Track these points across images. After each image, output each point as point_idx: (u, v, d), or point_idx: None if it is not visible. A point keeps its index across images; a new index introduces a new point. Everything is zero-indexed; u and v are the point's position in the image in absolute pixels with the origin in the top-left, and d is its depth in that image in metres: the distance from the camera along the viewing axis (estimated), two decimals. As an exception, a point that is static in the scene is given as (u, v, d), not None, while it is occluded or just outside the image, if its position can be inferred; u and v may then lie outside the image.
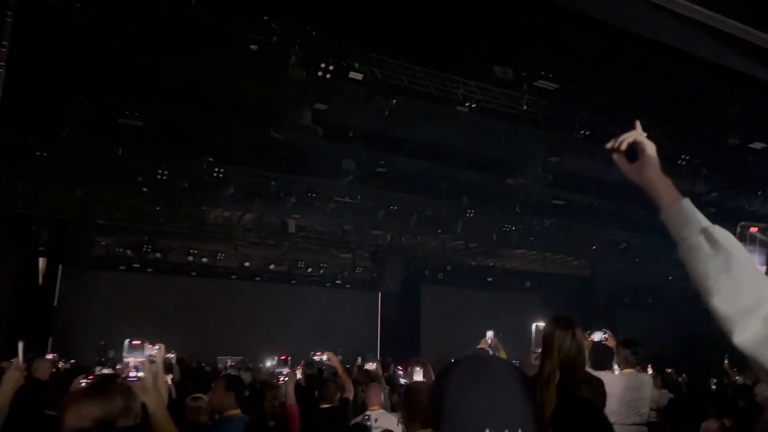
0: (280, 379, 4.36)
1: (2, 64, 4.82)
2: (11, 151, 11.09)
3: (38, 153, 10.86)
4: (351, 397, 4.89)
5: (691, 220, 1.30)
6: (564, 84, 8.81)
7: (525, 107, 8.97)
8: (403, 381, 5.45)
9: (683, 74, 8.71)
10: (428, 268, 19.91)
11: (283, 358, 4.64)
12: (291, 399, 4.09)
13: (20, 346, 3.57)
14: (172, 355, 7.95)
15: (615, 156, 1.45)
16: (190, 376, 9.10)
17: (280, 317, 18.05)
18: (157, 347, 3.84)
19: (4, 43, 4.90)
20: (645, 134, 1.44)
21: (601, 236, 16.36)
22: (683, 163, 10.97)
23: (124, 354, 2.19)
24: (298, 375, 6.79)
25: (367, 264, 19.60)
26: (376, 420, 4.19)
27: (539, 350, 2.79)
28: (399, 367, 8.80)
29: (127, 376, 2.10)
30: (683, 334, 21.97)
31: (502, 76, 8.36)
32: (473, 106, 8.88)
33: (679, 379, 10.03)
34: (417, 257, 18.71)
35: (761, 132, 10.24)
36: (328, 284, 19.86)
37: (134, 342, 2.22)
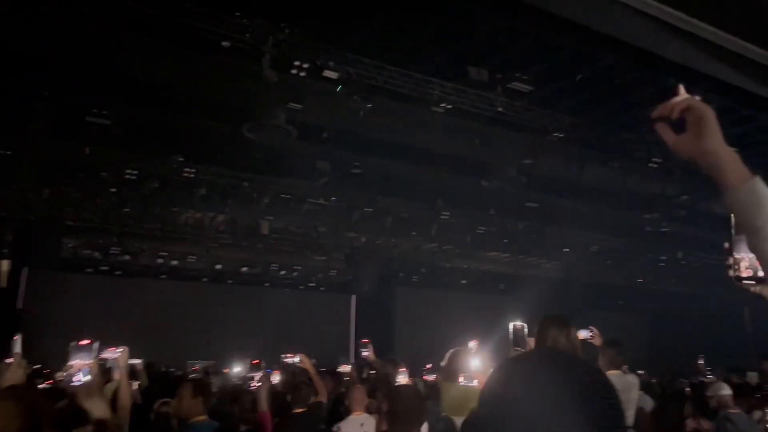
0: (252, 384, 4.20)
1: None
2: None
3: (2, 152, 10.52)
4: (324, 400, 4.75)
5: (766, 204, 1.03)
6: (538, 86, 8.85)
7: (499, 109, 8.97)
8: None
9: (656, 76, 8.81)
10: (403, 270, 19.87)
11: (255, 362, 4.46)
12: (263, 405, 3.95)
13: (18, 340, 3.39)
14: (139, 361, 7.71)
15: (659, 126, 1.23)
16: (158, 381, 8.87)
17: (253, 320, 17.83)
18: (120, 350, 3.68)
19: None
20: (698, 98, 1.17)
21: (574, 238, 16.51)
22: (654, 165, 11.10)
23: (70, 356, 2.00)
24: (276, 379, 6.63)
25: (342, 266, 19.47)
26: (362, 425, 4.08)
27: (519, 350, 2.71)
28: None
29: (71, 381, 1.92)
30: (655, 336, 22.34)
31: (477, 78, 8.35)
32: (448, 107, 8.86)
33: (653, 381, 10.12)
34: (392, 259, 18.64)
35: (733, 135, 10.40)
36: (301, 287, 19.69)
37: (81, 343, 2.04)
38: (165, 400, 4.71)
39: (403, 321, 19.80)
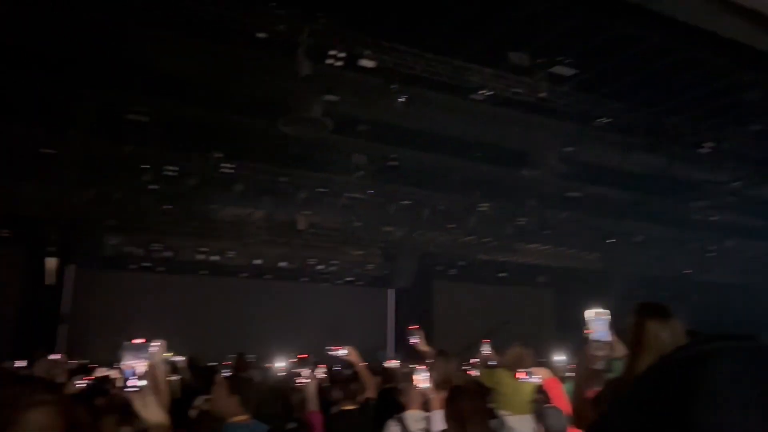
0: (299, 380, 3.86)
1: None
2: (17, 151, 10.97)
3: (44, 152, 10.71)
4: (373, 395, 4.51)
5: None
6: (582, 69, 8.52)
7: (540, 95, 8.68)
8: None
9: (705, 56, 8.41)
10: (440, 263, 19.65)
11: (302, 356, 4.10)
12: (313, 405, 3.65)
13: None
14: (182, 359, 7.69)
15: None
16: (203, 377, 8.89)
17: (291, 315, 17.90)
18: (158, 344, 3.60)
19: None
20: None
21: (617, 228, 16.03)
22: (705, 150, 10.63)
23: (124, 357, 1.75)
24: (320, 374, 6.47)
25: (379, 260, 19.38)
26: (417, 422, 3.86)
27: (600, 344, 2.41)
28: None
29: (124, 386, 1.71)
30: (701, 328, 21.60)
31: (517, 62, 8.08)
32: (488, 94, 8.61)
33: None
34: (429, 253, 18.46)
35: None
36: (339, 281, 19.67)
37: (135, 341, 1.81)
38: (209, 397, 4.62)
39: (441, 315, 19.59)
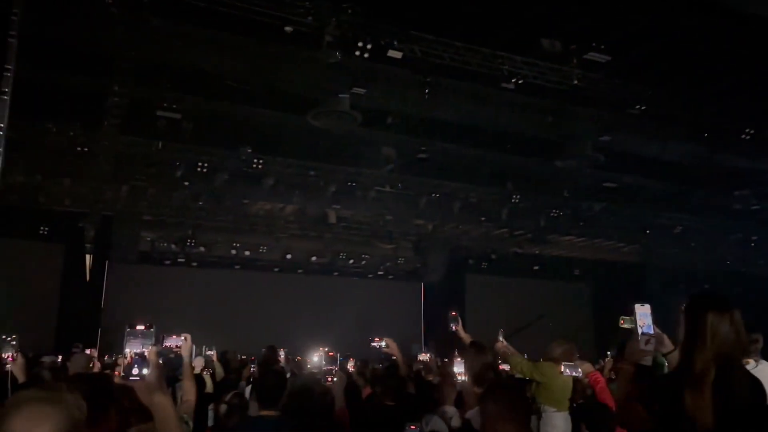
0: (329, 378, 3.73)
1: (9, 67, 4.64)
2: (53, 149, 11.20)
3: (79, 149, 10.90)
4: (413, 391, 4.37)
5: None
6: (617, 56, 8.22)
7: (574, 82, 8.43)
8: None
9: (747, 41, 8.03)
10: (472, 257, 19.44)
11: (330, 354, 3.95)
12: (340, 401, 3.54)
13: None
14: (212, 352, 7.71)
15: None
16: (236, 371, 8.94)
17: (323, 310, 17.94)
18: (183, 338, 3.56)
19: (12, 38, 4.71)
20: None
21: (655, 220, 15.58)
22: (747, 137, 10.22)
23: (125, 343, 1.63)
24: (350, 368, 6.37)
25: (410, 254, 19.27)
26: (451, 419, 3.74)
27: (651, 337, 2.27)
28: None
29: (128, 374, 1.59)
30: (744, 321, 20.90)
31: (550, 49, 7.85)
32: (519, 82, 8.39)
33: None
34: (460, 246, 18.28)
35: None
36: (370, 275, 19.64)
37: (138, 327, 1.67)
38: (237, 392, 4.59)
39: (473, 309, 19.34)
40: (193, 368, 3.61)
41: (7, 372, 4.03)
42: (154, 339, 1.65)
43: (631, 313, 2.48)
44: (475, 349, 4.09)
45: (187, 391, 3.23)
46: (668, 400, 1.86)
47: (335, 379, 3.65)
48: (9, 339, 4.23)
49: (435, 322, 19.02)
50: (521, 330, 12.86)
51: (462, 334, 4.72)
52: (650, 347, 2.30)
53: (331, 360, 3.72)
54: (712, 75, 9.20)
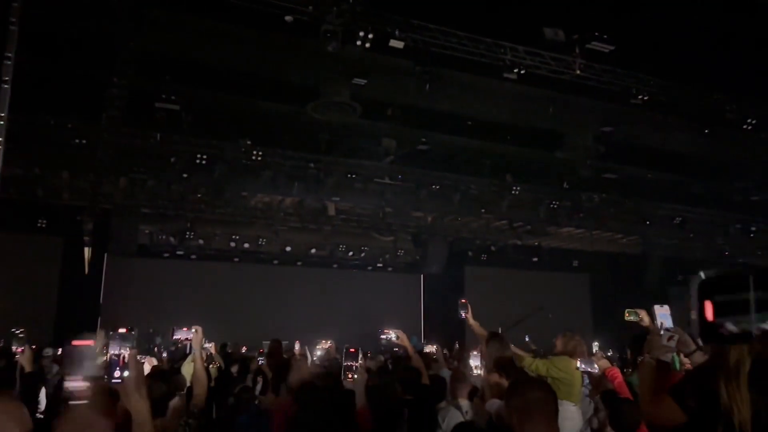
0: (350, 376, 3.59)
1: (9, 55, 4.57)
2: (51, 142, 11.11)
3: (78, 142, 10.82)
4: (427, 382, 4.23)
5: None
6: (620, 45, 8.17)
7: (577, 72, 8.37)
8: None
9: (748, 29, 7.98)
10: (472, 248, 19.43)
11: (352, 350, 3.79)
12: (361, 399, 3.44)
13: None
14: (211, 345, 7.63)
15: None
16: (241, 364, 8.88)
17: (323, 302, 17.93)
18: (194, 330, 3.53)
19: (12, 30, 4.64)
20: None
21: (655, 211, 15.57)
22: (748, 128, 10.19)
23: (108, 346, 1.67)
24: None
25: (409, 246, 19.25)
26: (466, 412, 3.67)
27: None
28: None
29: (109, 377, 1.62)
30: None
31: (553, 39, 7.80)
32: (521, 72, 8.34)
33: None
34: (460, 238, 18.24)
35: None
36: (369, 268, 19.62)
37: (120, 330, 1.71)
38: (245, 386, 4.53)
39: (473, 301, 19.01)
40: (203, 359, 3.56)
41: (16, 362, 4.23)
42: (134, 342, 1.67)
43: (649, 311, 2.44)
44: (499, 342, 4.06)
45: (198, 383, 3.20)
46: (703, 395, 1.81)
47: (356, 376, 3.53)
48: (18, 332, 4.50)
49: (435, 314, 19.05)
50: (521, 321, 12.88)
51: (471, 321, 4.68)
52: (672, 343, 2.26)
53: (352, 356, 3.59)
54: (714, 65, 9.16)
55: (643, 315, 4.05)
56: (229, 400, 4.61)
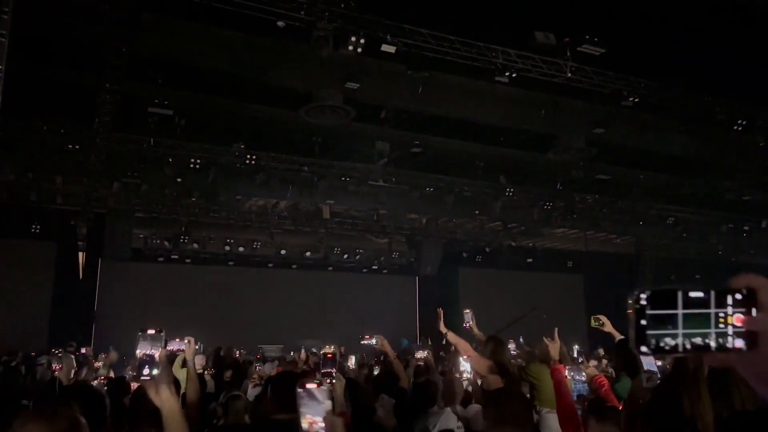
0: (328, 381, 3.59)
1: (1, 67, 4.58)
2: (45, 146, 11.10)
3: (71, 146, 10.80)
4: (406, 386, 4.33)
5: None
6: (610, 48, 8.23)
7: (568, 75, 8.43)
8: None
9: (738, 30, 8.06)
10: (466, 250, 19.50)
11: (329, 356, 3.79)
12: (341, 405, 3.45)
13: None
14: (201, 357, 7.53)
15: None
16: (230, 367, 8.87)
17: (318, 305, 17.94)
18: (186, 341, 3.54)
19: (3, 37, 4.64)
20: None
21: (648, 211, 15.66)
22: (739, 128, 10.27)
23: (138, 346, 1.78)
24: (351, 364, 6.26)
25: (404, 248, 19.30)
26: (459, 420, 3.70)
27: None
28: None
29: (139, 374, 1.73)
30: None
31: (544, 42, 7.85)
32: (513, 75, 8.38)
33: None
34: (454, 240, 18.31)
35: None
36: (364, 270, 19.66)
37: (149, 331, 1.84)
38: (235, 393, 4.52)
39: (467, 302, 19.29)
40: (196, 369, 3.57)
41: (55, 378, 4.69)
42: (163, 342, 1.76)
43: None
44: (496, 343, 4.11)
45: (191, 392, 3.20)
46: (669, 409, 1.85)
47: (335, 381, 3.54)
48: (58, 352, 5.13)
49: (430, 316, 19.08)
50: (515, 322, 12.93)
51: (476, 331, 4.71)
52: (651, 384, 2.37)
53: (330, 362, 3.59)
54: (704, 66, 9.23)
55: (605, 320, 4.16)
56: (211, 406, 4.60)
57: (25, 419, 1.47)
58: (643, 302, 0.72)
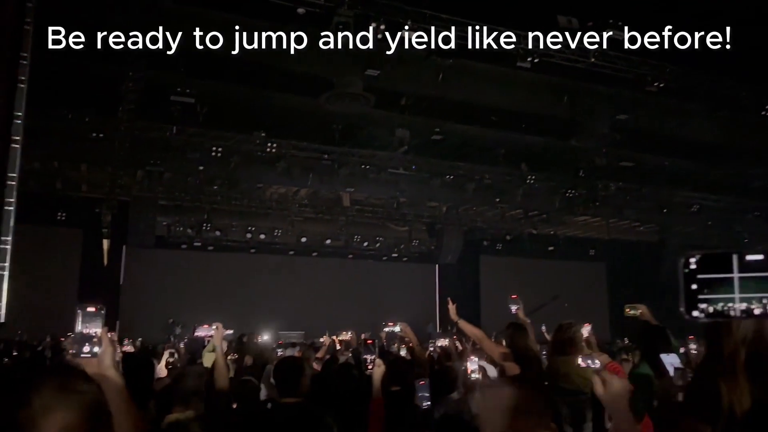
0: (368, 367, 3.62)
1: (25, 54, 4.65)
2: (70, 135, 11.26)
3: (95, 135, 10.96)
4: (426, 374, 4.32)
5: None
6: (635, 32, 8.05)
7: (592, 59, 8.29)
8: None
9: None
10: (487, 238, 19.40)
11: (369, 342, 3.85)
12: (377, 392, 3.39)
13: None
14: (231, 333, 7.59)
15: None
16: (252, 353, 8.94)
17: (338, 292, 18.05)
18: (214, 327, 3.60)
19: (27, 24, 4.70)
20: None
21: (672, 199, 15.41)
22: (766, 114, 10.03)
23: (78, 323, 1.70)
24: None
25: (424, 236, 19.28)
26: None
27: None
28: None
29: (78, 352, 1.65)
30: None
31: (567, 27, 7.72)
32: (536, 60, 8.27)
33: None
34: (475, 228, 18.24)
35: None
36: (384, 258, 19.70)
37: (89, 309, 1.73)
38: (245, 378, 4.56)
39: (487, 291, 19.40)
40: (225, 356, 3.64)
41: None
42: (103, 320, 1.72)
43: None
44: (514, 329, 4.07)
45: (220, 378, 3.26)
46: (702, 392, 1.80)
47: (374, 367, 3.55)
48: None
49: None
50: (536, 311, 12.84)
51: (522, 316, 4.57)
52: (682, 382, 2.32)
53: (369, 348, 3.62)
54: (731, 51, 9.00)
55: (643, 309, 4.03)
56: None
57: (45, 388, 1.43)
58: (693, 266, 0.70)
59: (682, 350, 2.46)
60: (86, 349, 1.67)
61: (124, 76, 8.94)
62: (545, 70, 8.93)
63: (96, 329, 1.71)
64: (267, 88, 10.37)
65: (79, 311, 1.70)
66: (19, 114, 4.42)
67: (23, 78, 4.54)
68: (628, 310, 4.06)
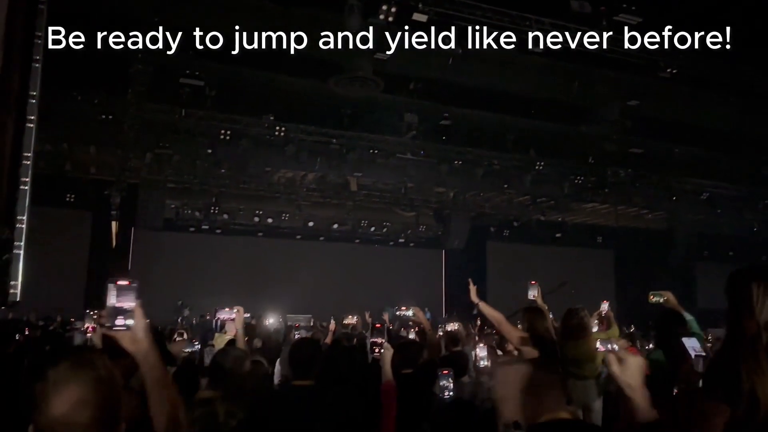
0: (377, 351, 3.66)
1: (39, 34, 4.66)
2: (79, 117, 11.29)
3: (104, 117, 10.98)
4: (437, 357, 4.24)
5: None
6: (648, 17, 7.97)
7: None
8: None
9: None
10: (494, 224, 19.38)
11: (378, 326, 3.88)
12: (388, 374, 3.43)
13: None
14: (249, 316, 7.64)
15: None
16: (260, 336, 9.01)
17: (345, 277, 18.11)
18: (235, 310, 3.64)
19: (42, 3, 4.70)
20: None
21: (681, 186, 15.32)
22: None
23: (108, 297, 1.68)
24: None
25: (431, 222, 19.27)
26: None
27: None
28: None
29: (112, 325, 1.65)
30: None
31: (579, 10, 7.64)
32: (547, 45, 8.20)
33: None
34: (482, 213, 18.21)
35: None
36: (391, 243, 19.72)
37: (120, 282, 1.72)
38: (256, 359, 4.61)
39: (495, 277, 19.39)
40: (244, 338, 3.69)
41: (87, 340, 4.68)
42: (136, 294, 1.70)
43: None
44: (532, 313, 4.09)
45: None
46: (723, 375, 1.78)
47: (383, 351, 3.58)
48: (93, 313, 5.02)
49: (456, 290, 19.10)
50: (543, 297, 12.86)
51: (540, 302, 4.53)
52: (701, 368, 2.31)
53: (378, 332, 3.64)
54: (745, 37, 8.89)
55: (669, 296, 4.00)
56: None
57: (61, 364, 1.46)
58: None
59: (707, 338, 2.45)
60: (119, 322, 1.67)
61: (133, 58, 8.94)
62: (556, 54, 8.85)
63: (129, 303, 1.70)
64: (276, 72, 10.34)
65: (110, 285, 1.69)
66: (34, 93, 4.44)
67: (38, 57, 4.55)
68: (652, 297, 4.03)
